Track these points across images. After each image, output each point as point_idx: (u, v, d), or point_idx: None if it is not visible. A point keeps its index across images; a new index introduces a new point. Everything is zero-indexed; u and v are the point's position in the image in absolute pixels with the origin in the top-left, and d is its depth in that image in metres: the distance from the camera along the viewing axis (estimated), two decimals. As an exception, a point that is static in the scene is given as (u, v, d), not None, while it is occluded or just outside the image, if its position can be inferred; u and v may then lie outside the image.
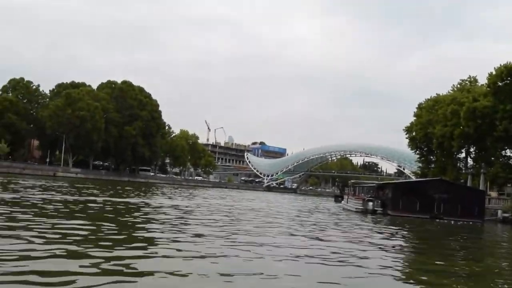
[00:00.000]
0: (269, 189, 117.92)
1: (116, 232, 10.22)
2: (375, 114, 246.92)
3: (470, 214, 28.88)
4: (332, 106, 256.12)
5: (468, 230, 21.77)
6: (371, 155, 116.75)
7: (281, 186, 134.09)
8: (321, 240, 12.13)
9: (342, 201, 39.88)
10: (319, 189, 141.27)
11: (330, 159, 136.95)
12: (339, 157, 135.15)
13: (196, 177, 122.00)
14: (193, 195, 38.45)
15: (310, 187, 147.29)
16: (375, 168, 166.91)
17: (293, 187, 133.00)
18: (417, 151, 53.09)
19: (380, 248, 11.51)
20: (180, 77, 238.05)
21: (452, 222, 26.93)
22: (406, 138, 53.63)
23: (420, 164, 53.46)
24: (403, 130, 54.07)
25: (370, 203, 30.88)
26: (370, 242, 12.56)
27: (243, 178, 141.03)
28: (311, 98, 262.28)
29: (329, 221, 19.92)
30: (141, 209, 17.72)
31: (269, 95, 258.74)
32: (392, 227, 19.03)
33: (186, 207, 21.14)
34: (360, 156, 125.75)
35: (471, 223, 27.03)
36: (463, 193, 30.63)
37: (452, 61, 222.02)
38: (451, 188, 30.56)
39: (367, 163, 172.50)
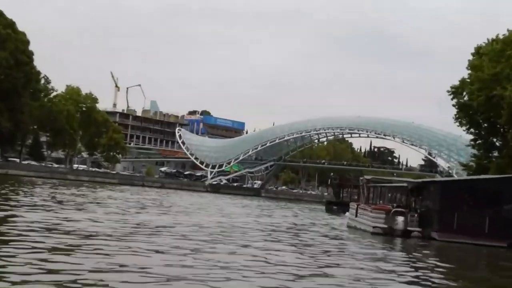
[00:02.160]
0: (215, 189, 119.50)
1: None
2: (390, 73, 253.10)
3: None
4: (322, 59, 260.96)
5: None
6: (384, 135, 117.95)
7: (236, 184, 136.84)
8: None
9: (347, 214, 39.06)
10: (297, 190, 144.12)
11: (316, 141, 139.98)
12: (331, 138, 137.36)
13: (91, 169, 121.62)
14: (68, 200, 37.05)
15: (283, 187, 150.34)
16: (390, 158, 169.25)
17: (256, 186, 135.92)
18: (471, 129, 51.65)
19: None
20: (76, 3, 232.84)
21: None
22: (454, 106, 51.74)
23: (475, 151, 51.87)
24: (448, 92, 53.03)
25: (400, 219, 29.83)
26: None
27: (163, 169, 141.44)
28: (288, 46, 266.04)
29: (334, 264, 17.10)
30: None
31: (221, 39, 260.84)
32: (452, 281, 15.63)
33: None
34: (367, 137, 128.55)
35: None
36: None
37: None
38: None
39: (376, 149, 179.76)
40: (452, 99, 52.67)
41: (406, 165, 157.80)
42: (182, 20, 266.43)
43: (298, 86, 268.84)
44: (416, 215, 30.43)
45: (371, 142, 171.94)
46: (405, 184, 33.32)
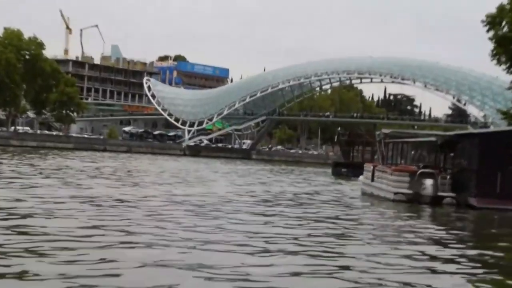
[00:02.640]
0: (194, 151, 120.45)
1: None
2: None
3: None
4: None
5: None
6: (402, 79, 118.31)
7: (220, 145, 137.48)
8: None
9: (360, 178, 38.81)
10: (296, 151, 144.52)
11: (318, 89, 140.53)
12: (336, 84, 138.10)
13: (40, 131, 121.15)
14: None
15: (279, 147, 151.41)
16: (409, 107, 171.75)
17: (245, 147, 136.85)
18: (508, 65, 51.52)
19: None
20: None
21: None
22: (490, 40, 51.18)
23: None
24: (482, 23, 52.44)
25: (429, 182, 29.67)
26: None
27: (126, 129, 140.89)
28: None
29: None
30: None
31: None
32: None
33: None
34: (380, 82, 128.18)
35: None
36: None
37: None
38: None
39: (392, 97, 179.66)
40: (487, 31, 51.90)
41: (429, 116, 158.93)
42: None
43: (293, 21, 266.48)
44: (448, 177, 30.28)
45: (385, 89, 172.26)
46: (433, 139, 32.99)
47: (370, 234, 18.00)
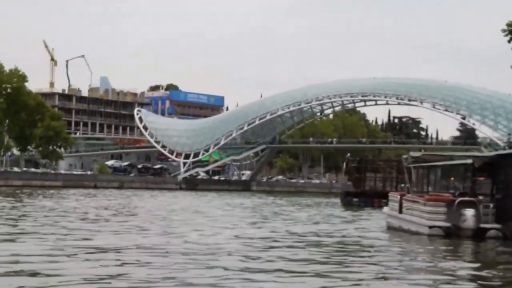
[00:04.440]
0: (191, 185, 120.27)
1: None
2: (412, 24, 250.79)
3: None
4: (322, 8, 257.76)
5: None
6: (409, 100, 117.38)
7: (218, 177, 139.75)
8: None
9: (385, 209, 36.57)
10: (298, 180, 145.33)
11: (319, 113, 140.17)
12: (338, 108, 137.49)
13: (26, 169, 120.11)
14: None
15: (280, 177, 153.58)
16: (415, 130, 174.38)
17: (244, 178, 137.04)
18: None
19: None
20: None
21: None
22: None
23: None
24: (503, 32, 51.25)
25: (470, 212, 27.52)
26: None
27: (109, 163, 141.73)
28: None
29: None
30: None
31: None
32: None
33: None
34: (386, 104, 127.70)
35: None
36: None
37: None
38: None
39: (397, 120, 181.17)
40: (509, 40, 50.72)
41: (437, 138, 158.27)
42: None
43: (292, 46, 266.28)
44: (491, 205, 28.10)
45: (389, 112, 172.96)
46: (469, 161, 30.70)
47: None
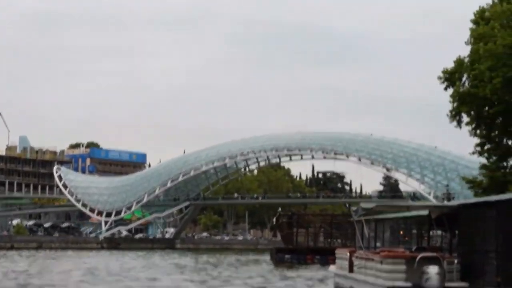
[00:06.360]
0: (112, 244, 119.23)
1: None
2: (335, 79, 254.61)
3: None
4: (246, 66, 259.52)
5: None
6: (335, 154, 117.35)
7: (141, 236, 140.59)
8: None
9: (331, 268, 34.28)
10: (221, 237, 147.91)
11: (244, 169, 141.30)
12: (263, 163, 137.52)
13: None
14: None
15: (204, 234, 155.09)
16: (339, 184, 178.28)
17: (168, 236, 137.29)
18: (473, 126, 48.76)
19: None
20: None
21: None
22: (452, 98, 48.88)
23: (484, 159, 49.45)
24: (439, 79, 50.17)
25: (433, 270, 25.29)
26: None
27: (30, 223, 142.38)
28: (204, 52, 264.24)
29: None
30: None
31: (111, 51, 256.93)
32: None
33: None
34: (311, 158, 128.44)
35: None
36: None
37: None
38: None
39: (321, 175, 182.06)
40: (445, 88, 49.82)
41: (361, 192, 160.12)
42: (69, 25, 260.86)
43: (214, 103, 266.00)
44: (455, 261, 25.83)
45: (313, 167, 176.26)
46: (425, 212, 28.59)
47: None
